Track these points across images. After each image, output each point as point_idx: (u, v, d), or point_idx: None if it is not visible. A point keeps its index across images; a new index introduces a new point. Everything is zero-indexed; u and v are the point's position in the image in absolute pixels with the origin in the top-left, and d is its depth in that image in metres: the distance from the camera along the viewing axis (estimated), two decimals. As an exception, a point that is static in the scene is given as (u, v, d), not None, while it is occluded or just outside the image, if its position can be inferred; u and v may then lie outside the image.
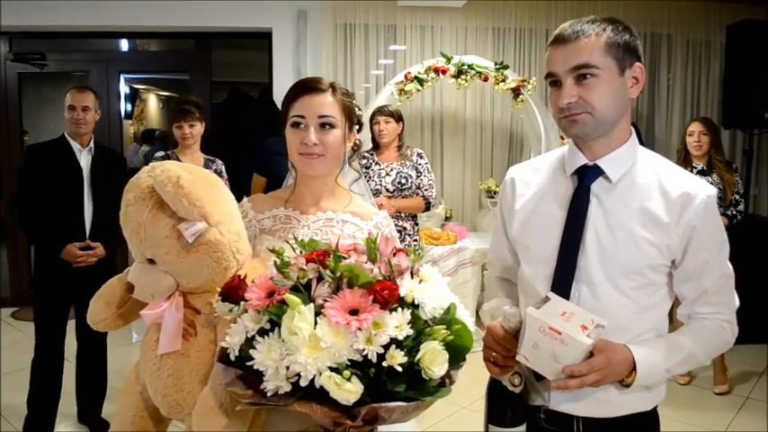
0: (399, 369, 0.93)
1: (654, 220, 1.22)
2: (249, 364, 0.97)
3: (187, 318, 1.21)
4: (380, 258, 1.03)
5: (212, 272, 1.19)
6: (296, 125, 1.36)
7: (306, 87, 1.38)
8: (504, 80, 4.40)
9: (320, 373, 0.92)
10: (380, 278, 0.99)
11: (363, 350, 0.93)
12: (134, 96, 7.15)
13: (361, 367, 0.93)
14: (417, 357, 0.95)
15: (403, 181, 3.55)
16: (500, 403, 1.28)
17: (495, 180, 4.93)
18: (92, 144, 3.01)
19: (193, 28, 4.93)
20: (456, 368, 1.03)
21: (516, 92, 4.43)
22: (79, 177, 2.94)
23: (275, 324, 0.97)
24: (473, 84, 4.49)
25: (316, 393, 0.93)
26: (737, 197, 3.65)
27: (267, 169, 3.49)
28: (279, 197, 1.47)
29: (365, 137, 3.85)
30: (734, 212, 3.64)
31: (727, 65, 4.78)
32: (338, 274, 0.99)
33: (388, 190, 3.52)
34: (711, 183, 3.50)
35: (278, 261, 1.05)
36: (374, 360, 0.93)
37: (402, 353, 0.94)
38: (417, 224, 3.72)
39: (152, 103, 7.78)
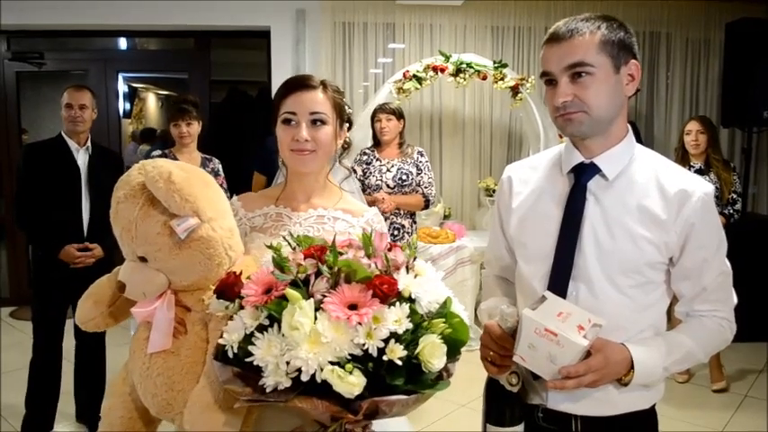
0: (399, 363, 0.94)
1: (651, 218, 1.21)
2: (248, 360, 0.97)
3: (177, 316, 1.20)
4: (376, 253, 1.03)
5: (205, 268, 1.18)
6: (287, 122, 1.36)
7: (297, 84, 1.38)
8: (502, 79, 4.40)
9: (321, 368, 0.92)
10: (378, 273, 1.00)
11: (364, 344, 0.93)
12: (133, 95, 7.12)
13: (360, 362, 0.94)
14: (417, 351, 0.96)
15: (404, 177, 3.55)
16: (498, 402, 1.28)
17: (494, 178, 4.92)
18: (89, 143, 3.00)
19: (192, 27, 4.93)
20: (453, 361, 1.04)
21: (515, 90, 4.43)
22: (76, 176, 2.94)
23: (274, 320, 0.97)
24: (472, 82, 4.50)
25: (315, 388, 0.94)
26: (735, 196, 3.65)
27: (268, 167, 3.49)
28: (269, 195, 1.46)
29: (357, 136, 3.85)
30: (731, 211, 3.64)
31: (725, 63, 4.78)
32: (336, 269, 0.99)
33: (388, 185, 3.54)
34: (708, 181, 3.49)
35: (276, 256, 1.04)
36: (374, 354, 0.93)
37: (401, 347, 0.94)
38: (416, 222, 3.73)
39: (151, 101, 7.76)
